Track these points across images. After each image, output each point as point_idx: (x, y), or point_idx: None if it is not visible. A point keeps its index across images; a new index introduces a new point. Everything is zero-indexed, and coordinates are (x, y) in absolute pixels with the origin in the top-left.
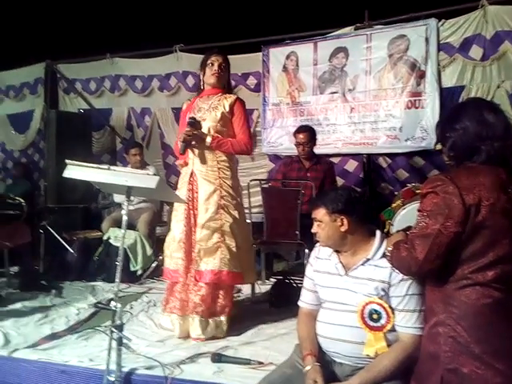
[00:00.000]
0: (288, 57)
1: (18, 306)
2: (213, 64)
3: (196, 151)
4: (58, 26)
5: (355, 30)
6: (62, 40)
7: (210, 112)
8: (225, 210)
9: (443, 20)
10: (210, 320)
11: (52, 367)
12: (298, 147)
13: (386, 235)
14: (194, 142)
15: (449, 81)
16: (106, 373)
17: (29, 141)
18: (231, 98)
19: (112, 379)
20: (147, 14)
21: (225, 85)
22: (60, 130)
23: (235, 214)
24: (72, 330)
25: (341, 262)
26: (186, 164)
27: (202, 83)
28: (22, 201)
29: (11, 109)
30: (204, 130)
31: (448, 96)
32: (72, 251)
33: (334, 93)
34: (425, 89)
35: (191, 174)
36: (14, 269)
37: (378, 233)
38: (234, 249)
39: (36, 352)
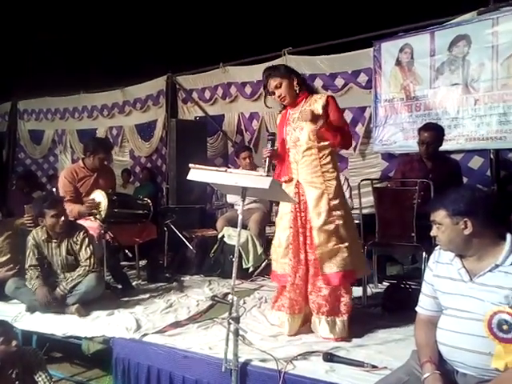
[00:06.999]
0: (402, 49)
1: (146, 295)
2: (272, 92)
3: (298, 161)
4: (176, 42)
5: (478, 14)
6: (180, 54)
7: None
8: (335, 211)
9: None
10: (338, 320)
11: (177, 352)
12: (422, 146)
13: None
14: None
15: None
16: (225, 361)
17: (153, 148)
18: (321, 98)
19: (230, 367)
20: (256, 21)
21: (303, 89)
22: (179, 136)
23: (343, 212)
24: (193, 319)
25: (464, 267)
26: (291, 180)
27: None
28: (149, 201)
29: (138, 119)
30: (304, 135)
31: None
32: (191, 248)
33: (455, 84)
34: None
35: (297, 181)
36: (142, 262)
37: (510, 236)
38: (349, 247)
39: (163, 337)
